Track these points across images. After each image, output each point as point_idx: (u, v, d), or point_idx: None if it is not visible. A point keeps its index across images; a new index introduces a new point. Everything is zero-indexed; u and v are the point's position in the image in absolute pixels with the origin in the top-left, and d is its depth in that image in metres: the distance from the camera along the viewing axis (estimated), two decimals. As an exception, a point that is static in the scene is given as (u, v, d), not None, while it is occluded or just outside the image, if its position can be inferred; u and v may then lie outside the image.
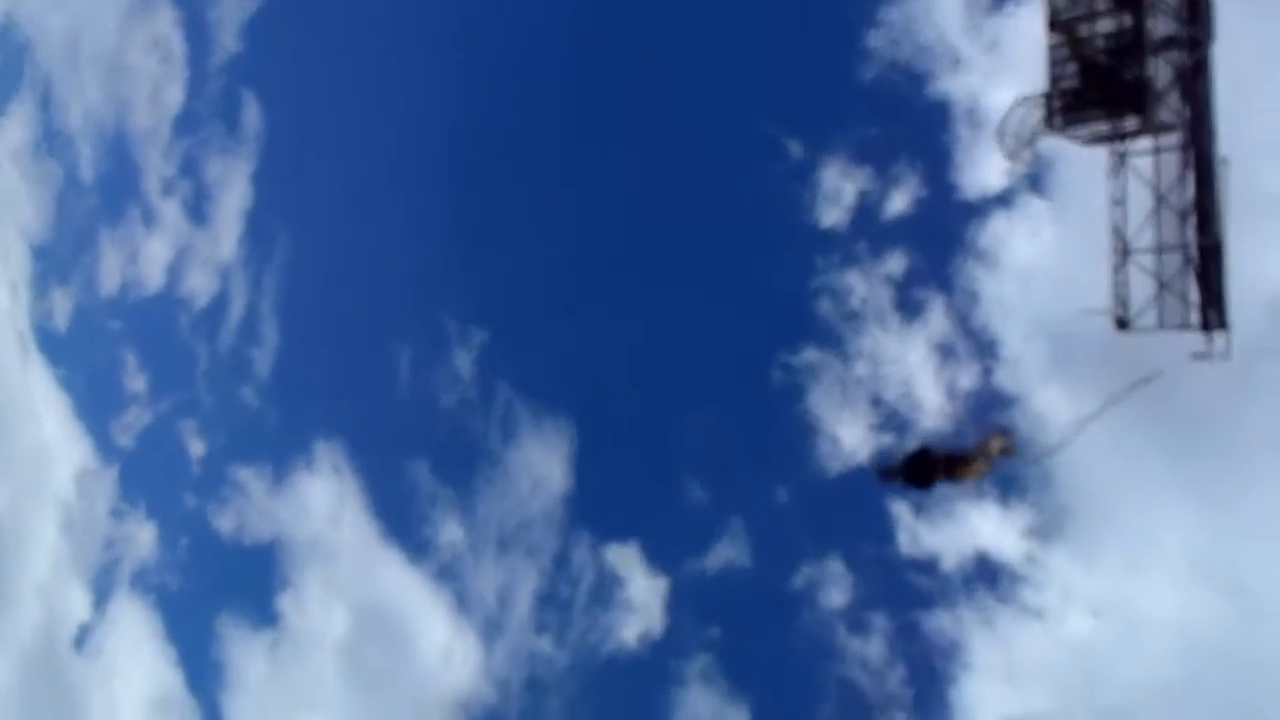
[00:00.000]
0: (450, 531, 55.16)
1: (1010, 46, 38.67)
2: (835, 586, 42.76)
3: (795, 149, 46.60)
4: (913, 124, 43.65)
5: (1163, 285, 17.91)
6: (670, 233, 51.89)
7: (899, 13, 42.12)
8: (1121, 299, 18.47)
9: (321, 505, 61.81)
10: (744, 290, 49.34)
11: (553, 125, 55.18)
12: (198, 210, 70.86)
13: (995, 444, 6.81)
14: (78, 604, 72.15)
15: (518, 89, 56.54)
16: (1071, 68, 17.64)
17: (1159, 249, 18.14)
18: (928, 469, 6.60)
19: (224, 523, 65.20)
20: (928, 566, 40.41)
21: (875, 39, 42.80)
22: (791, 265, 48.64)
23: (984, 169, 40.33)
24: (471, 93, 58.51)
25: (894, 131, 44.21)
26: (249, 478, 64.60)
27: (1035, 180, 35.95)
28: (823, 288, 45.32)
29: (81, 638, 71.20)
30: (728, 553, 46.06)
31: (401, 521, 59.25)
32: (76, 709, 72.36)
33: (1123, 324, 18.43)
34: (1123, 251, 18.42)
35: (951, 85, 41.21)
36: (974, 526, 39.71)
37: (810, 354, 44.91)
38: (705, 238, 50.81)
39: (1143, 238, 18.48)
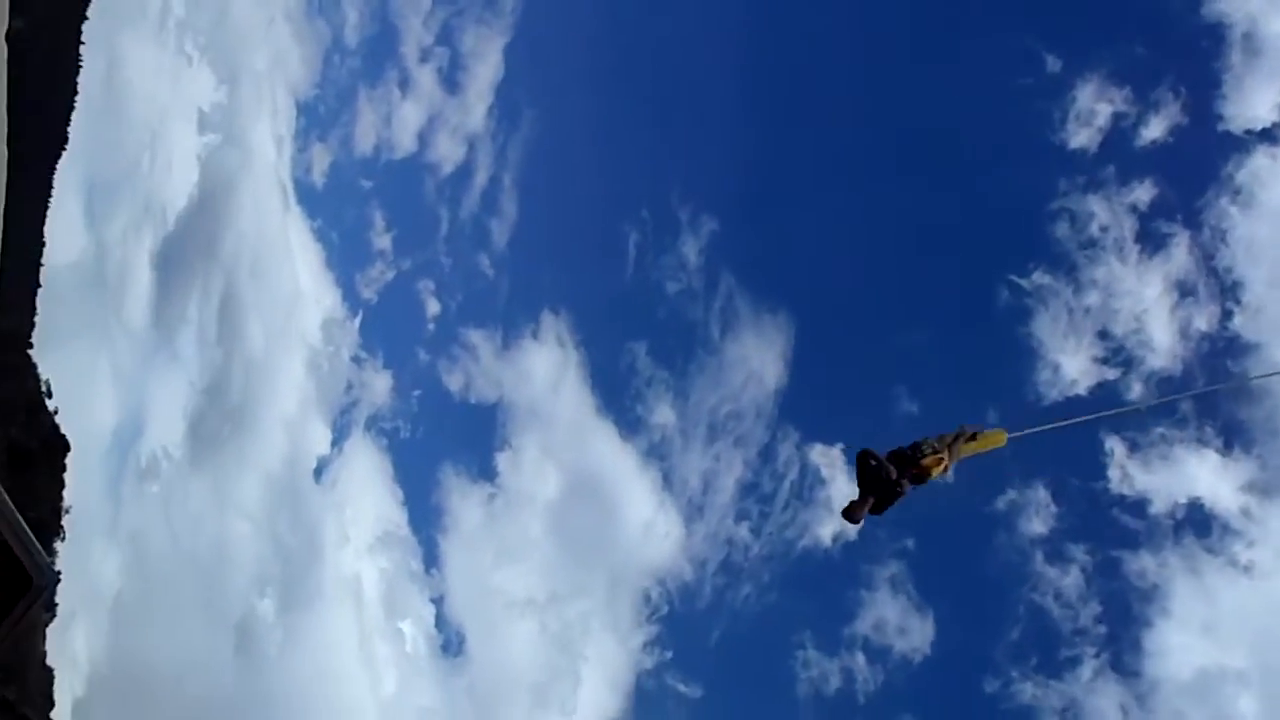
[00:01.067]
0: (662, 413, 56.77)
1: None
2: (1037, 515, 41.78)
3: (1051, 63, 44.29)
4: (1181, 46, 40.56)
5: None
6: (909, 138, 50.55)
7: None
8: None
9: (543, 374, 64.62)
10: (979, 204, 47.76)
11: (795, 23, 54.29)
12: (451, 79, 73.59)
13: (961, 442, 6.28)
14: (318, 439, 78.48)
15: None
16: None
17: None
18: (884, 478, 6.07)
19: (453, 380, 69.13)
20: (1136, 507, 38.91)
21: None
22: (1032, 184, 46.59)
23: (1253, 100, 37.23)
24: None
25: (1160, 52, 41.24)
26: (479, 340, 68.09)
27: None
28: (1062, 210, 43.31)
29: (320, 470, 77.56)
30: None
31: (617, 397, 61.40)
32: (313, 533, 79.30)
33: None
34: None
35: (1229, 5, 37.99)
36: (1191, 473, 37.88)
37: (1040, 277, 43.20)
38: (945, 146, 49.26)
39: None
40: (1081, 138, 43.36)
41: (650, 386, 58.75)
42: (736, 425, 54.89)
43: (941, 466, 6.62)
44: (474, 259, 71.13)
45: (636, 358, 57.95)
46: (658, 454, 58.67)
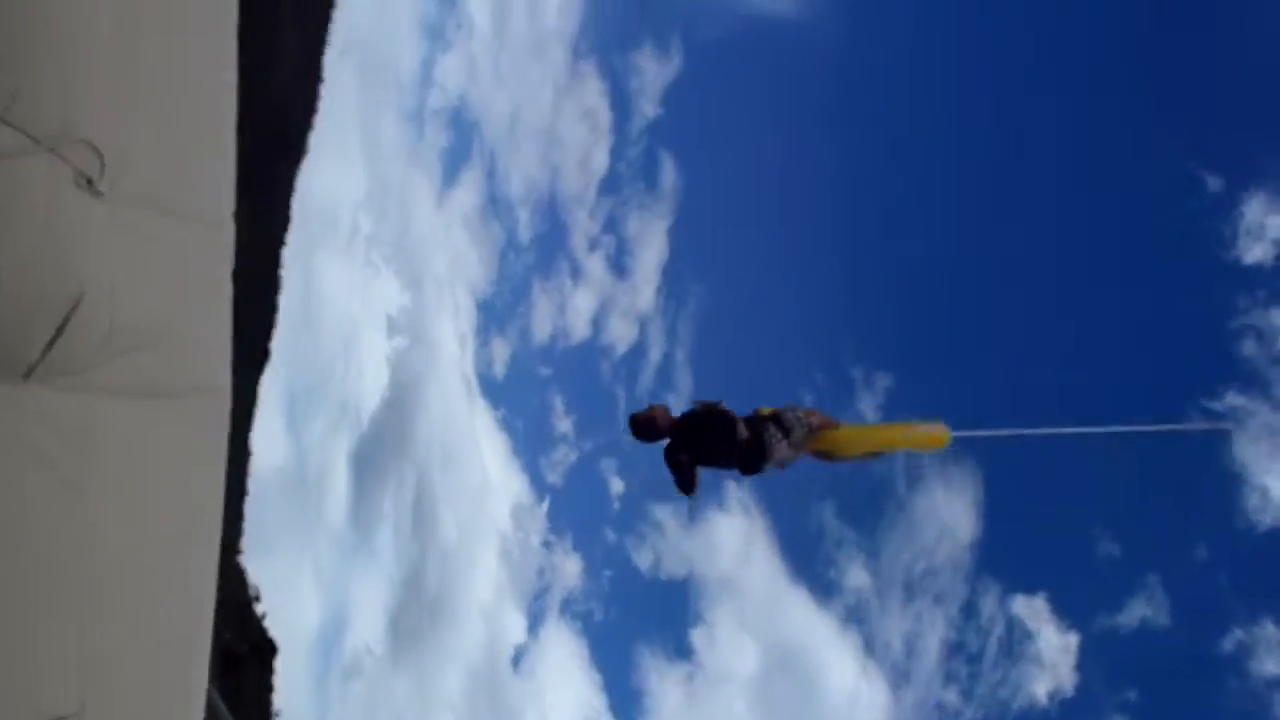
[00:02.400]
0: (856, 575, 55.17)
1: None
2: (1269, 654, 38.24)
3: (1214, 183, 43.02)
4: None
5: None
6: (1084, 271, 49.33)
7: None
8: None
9: (732, 543, 63.98)
10: (1160, 330, 45.87)
11: (960, 170, 54.37)
12: (619, 264, 76.38)
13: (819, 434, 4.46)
14: (514, 627, 79.39)
15: (920, 134, 56.32)
16: None
17: None
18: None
19: (642, 557, 69.18)
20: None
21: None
22: (1211, 304, 44.70)
23: None
24: (873, 137, 58.92)
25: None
26: (664, 515, 68.20)
27: None
28: (1246, 328, 41.24)
29: (518, 658, 78.14)
30: (1143, 610, 42.65)
31: (808, 562, 60.03)
32: (514, 722, 79.27)
33: None
34: None
35: None
36: None
37: (1233, 398, 40.81)
38: (1120, 275, 47.83)
39: None
40: (1255, 252, 41.69)
41: (841, 548, 57.43)
42: (934, 581, 52.81)
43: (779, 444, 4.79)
44: (652, 435, 72.10)
45: (824, 519, 56.91)
46: (856, 618, 56.86)
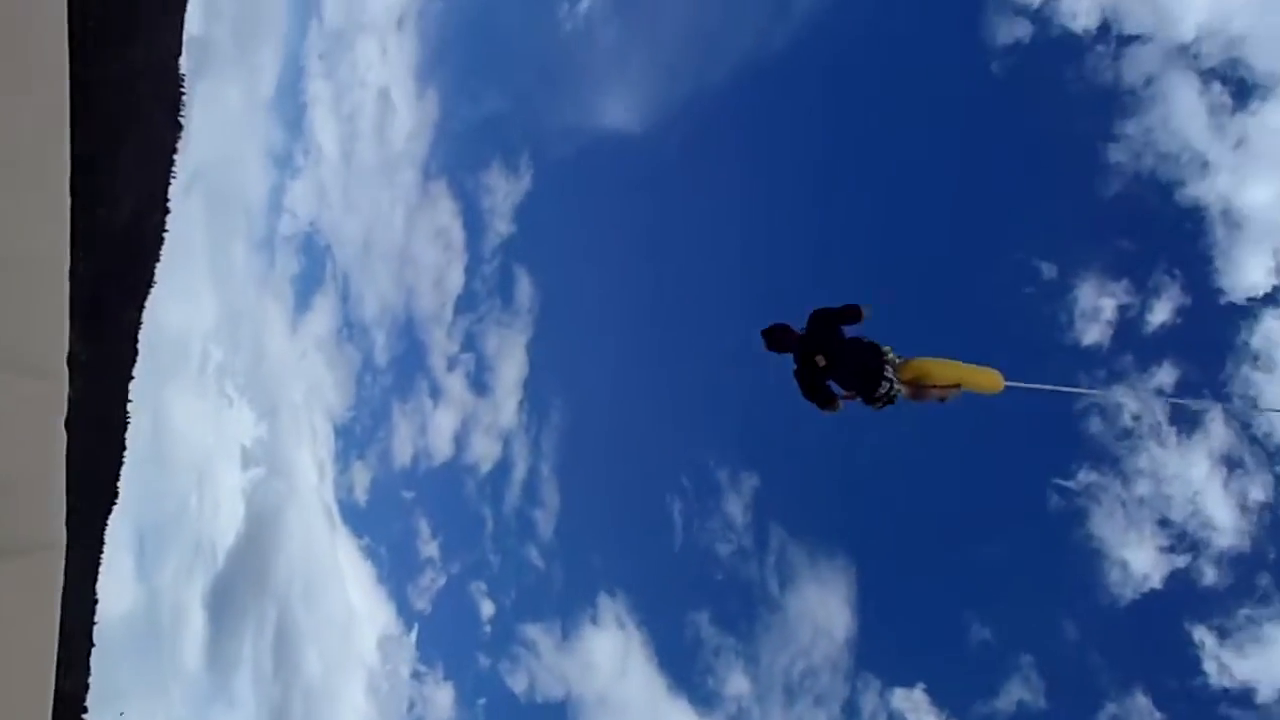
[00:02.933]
0: (736, 682, 54.78)
1: (1258, 141, 36.97)
2: (1142, 725, 39.45)
3: (1048, 270, 45.67)
4: (1166, 232, 42.04)
5: None
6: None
7: (1137, 124, 41.12)
8: None
9: (608, 659, 62.91)
10: (1009, 416, 47.89)
11: (807, 269, 56.25)
12: (479, 381, 75.99)
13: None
14: (385, 767, 75.60)
15: (769, 237, 58.18)
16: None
17: None
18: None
19: (516, 681, 67.31)
20: (1242, 698, 36.74)
21: (1117, 153, 41.85)
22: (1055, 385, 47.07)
23: (1247, 269, 38.17)
24: (724, 247, 60.62)
25: (1146, 243, 42.67)
26: (537, 634, 66.78)
27: None
28: (1090, 407, 43.45)
29: (391, 802, 74.28)
30: (1020, 692, 43.51)
31: (686, 672, 59.39)
32: None
33: None
34: None
35: (1201, 189, 39.51)
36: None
37: (1086, 476, 42.78)
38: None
39: None
40: (1093, 334, 44.22)
41: (719, 655, 56.91)
42: (814, 682, 52.73)
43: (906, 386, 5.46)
44: (522, 552, 71.00)
45: (700, 627, 56.47)
46: (739, 726, 56.12)
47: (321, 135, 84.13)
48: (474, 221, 74.89)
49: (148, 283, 59.76)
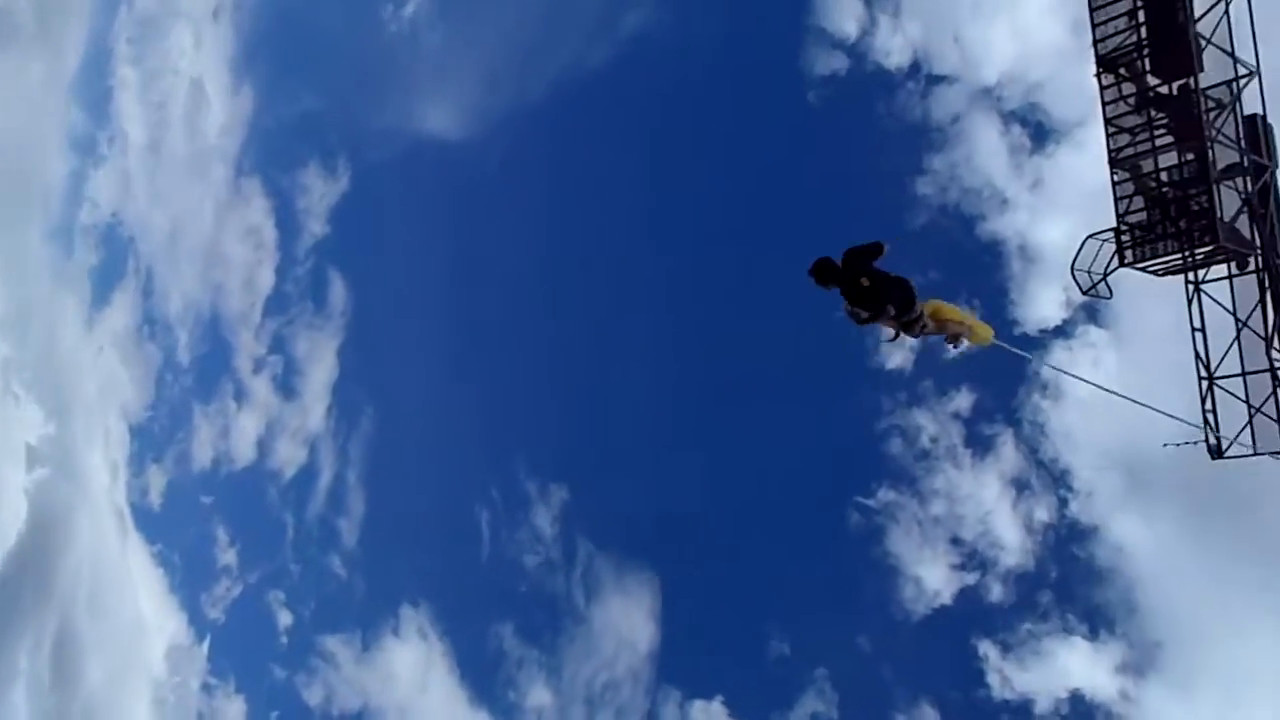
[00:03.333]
0: (537, 695, 54.40)
1: (1052, 183, 39.63)
2: (930, 735, 41.22)
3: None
4: (966, 265, 44.37)
5: (1254, 410, 17.79)
6: (739, 381, 52.48)
7: (943, 160, 43.24)
8: (1211, 426, 18.35)
9: (409, 671, 61.53)
10: (815, 435, 49.43)
11: (619, 287, 56.71)
12: (286, 385, 73.31)
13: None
14: (170, 784, 71.82)
15: (582, 250, 58.41)
16: (1139, 202, 18.02)
17: (1244, 374, 18.10)
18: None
19: (312, 694, 65.00)
20: (1022, 709, 38.93)
21: (924, 186, 43.87)
22: (859, 407, 48.78)
23: (1040, 301, 40.74)
24: (538, 259, 60.52)
25: (949, 273, 44.95)
26: (337, 646, 64.71)
27: (1092, 310, 36.22)
28: (892, 428, 45.31)
29: (172, 820, 70.59)
30: (814, 705, 44.81)
31: (488, 685, 58.72)
32: None
33: (1216, 452, 18.26)
34: (1208, 378, 18.39)
35: (1000, 224, 41.98)
36: (1063, 664, 38.42)
37: (885, 494, 44.56)
38: (772, 385, 51.27)
39: (1226, 365, 18.50)
40: (896, 359, 46.01)
41: (521, 668, 56.40)
42: (615, 695, 52.86)
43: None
44: (324, 561, 68.70)
45: (504, 639, 55.87)
46: (539, 740, 55.68)
47: (128, 122, 79.46)
48: (287, 221, 72.18)
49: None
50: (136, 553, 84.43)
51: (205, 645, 74.15)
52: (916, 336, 7.19)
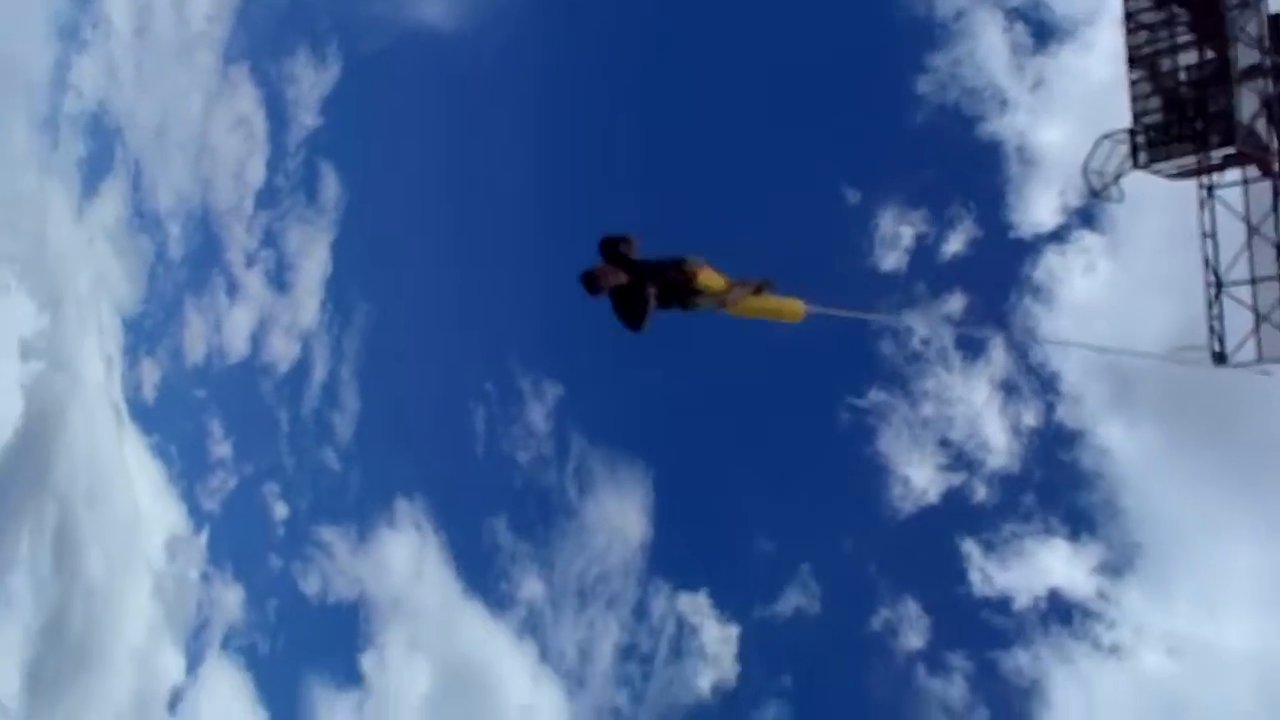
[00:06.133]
0: (530, 586, 55.26)
1: (1055, 84, 38.73)
2: (912, 629, 42.10)
3: (852, 196, 46.85)
4: (964, 165, 43.66)
5: (1261, 317, 17.61)
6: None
7: (944, 58, 42.23)
8: (1217, 333, 18.19)
9: (404, 562, 62.43)
10: (807, 335, 49.29)
11: (614, 182, 56.01)
12: (279, 279, 72.83)
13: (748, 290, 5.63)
14: (171, 667, 73.37)
15: (579, 146, 57.51)
16: (1155, 102, 17.55)
17: (1253, 281, 17.86)
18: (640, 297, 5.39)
19: (309, 583, 66.02)
20: (1002, 605, 39.70)
21: (924, 84, 42.90)
22: (853, 309, 48.53)
23: (1036, 206, 40.21)
24: (534, 154, 59.64)
25: (946, 174, 44.18)
26: (333, 537, 65.50)
27: (1088, 216, 35.71)
28: (884, 330, 45.20)
29: (175, 700, 72.32)
30: (797, 599, 45.55)
31: (482, 576, 59.65)
32: (171, 773, 73.33)
33: (1220, 358, 18.12)
34: (1216, 285, 18.16)
35: (1000, 125, 41.17)
36: (1044, 564, 39.03)
37: (876, 395, 44.64)
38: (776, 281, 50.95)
39: (1235, 271, 18.26)
40: (890, 260, 45.66)
41: (515, 561, 57.18)
42: (606, 587, 53.72)
43: (717, 291, 5.92)
44: (319, 455, 69.15)
45: (498, 532, 56.50)
46: (530, 629, 56.81)
47: (112, 8, 77.29)
48: (278, 112, 70.75)
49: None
50: (133, 445, 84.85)
51: (203, 536, 75.16)
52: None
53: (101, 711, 78.73)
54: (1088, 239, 39.87)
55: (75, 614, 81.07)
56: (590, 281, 6.27)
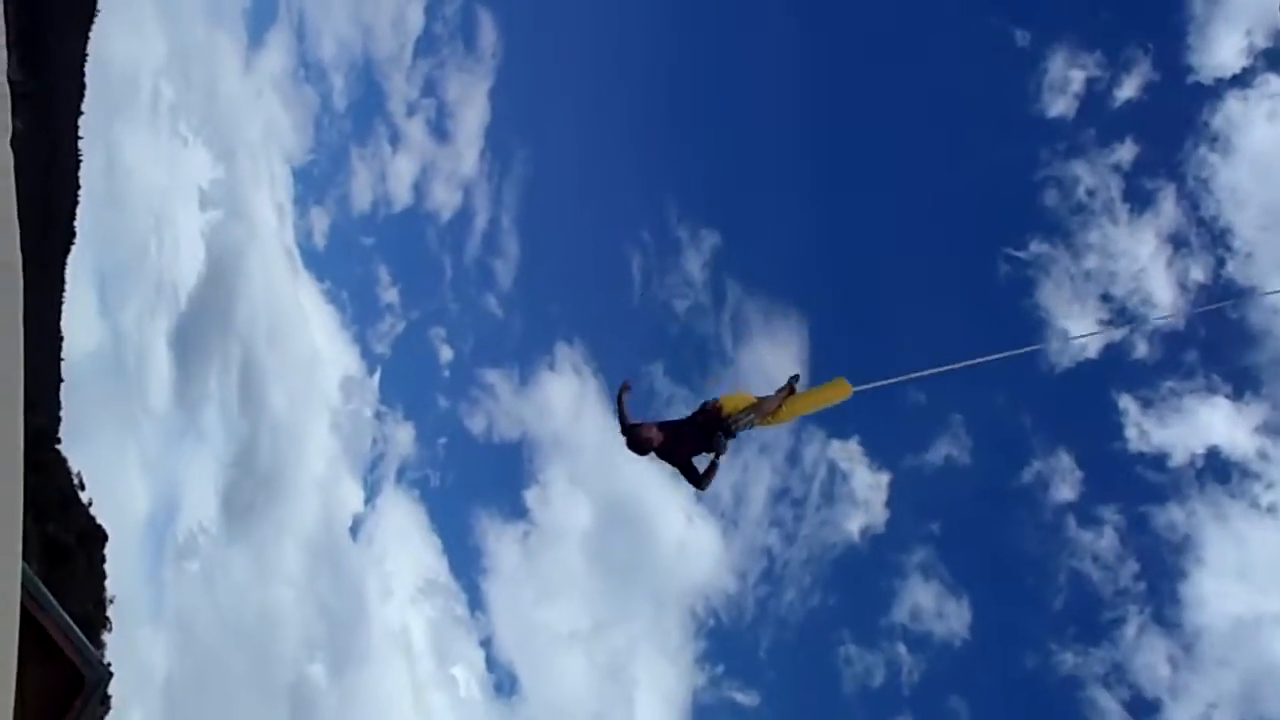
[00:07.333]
0: (686, 430, 57.06)
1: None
2: (1064, 481, 42.01)
3: (1020, 37, 44.79)
4: (1142, 4, 40.97)
5: None
6: (897, 126, 51.01)
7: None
8: None
9: (564, 404, 65.21)
10: (969, 183, 48.07)
11: (775, 29, 54.88)
12: (440, 128, 74.59)
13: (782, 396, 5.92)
14: (351, 497, 79.41)
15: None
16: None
17: None
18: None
19: (475, 423, 69.76)
20: (1157, 461, 39.21)
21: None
22: (1017, 157, 46.90)
23: (1219, 48, 37.62)
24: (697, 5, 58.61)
25: (1122, 14, 41.69)
26: (496, 379, 68.78)
27: (1275, 58, 33.28)
28: (1049, 179, 43.62)
29: (356, 527, 78.39)
30: (948, 449, 45.86)
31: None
32: (356, 591, 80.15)
33: None
34: None
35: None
36: (1204, 422, 38.20)
37: (1038, 247, 43.52)
38: (932, 130, 49.64)
39: None
40: (1059, 106, 43.90)
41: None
42: (760, 432, 55.19)
43: (750, 408, 6.42)
44: (481, 301, 72.15)
45: (654, 378, 58.54)
46: (686, 472, 59.24)
47: None
48: (436, -42, 71.40)
49: (90, 11, 57.15)
50: (307, 290, 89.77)
51: (375, 377, 79.84)
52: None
53: (291, 537, 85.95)
54: (1273, 83, 37.43)
55: (262, 447, 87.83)
56: (639, 446, 6.48)
